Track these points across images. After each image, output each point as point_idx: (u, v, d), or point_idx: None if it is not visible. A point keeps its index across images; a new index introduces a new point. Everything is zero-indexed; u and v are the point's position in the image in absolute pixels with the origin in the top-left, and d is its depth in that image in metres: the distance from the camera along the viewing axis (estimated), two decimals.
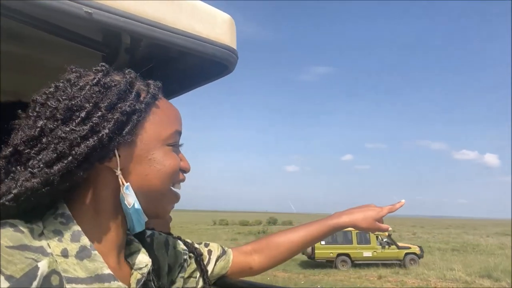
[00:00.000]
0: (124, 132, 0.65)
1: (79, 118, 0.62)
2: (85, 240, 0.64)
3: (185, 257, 0.94)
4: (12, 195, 0.58)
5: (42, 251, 0.58)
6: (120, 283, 0.64)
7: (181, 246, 0.95)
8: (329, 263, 18.40)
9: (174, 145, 0.73)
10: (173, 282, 0.90)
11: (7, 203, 0.58)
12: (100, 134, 0.62)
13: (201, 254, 0.97)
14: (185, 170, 0.76)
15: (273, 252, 1.09)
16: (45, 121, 0.62)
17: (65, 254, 0.61)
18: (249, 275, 1.11)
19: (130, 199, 0.67)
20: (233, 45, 0.96)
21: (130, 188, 0.67)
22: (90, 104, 0.63)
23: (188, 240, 1.00)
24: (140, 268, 0.75)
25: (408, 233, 39.37)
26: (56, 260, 0.60)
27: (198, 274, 0.95)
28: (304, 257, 19.17)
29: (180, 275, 0.92)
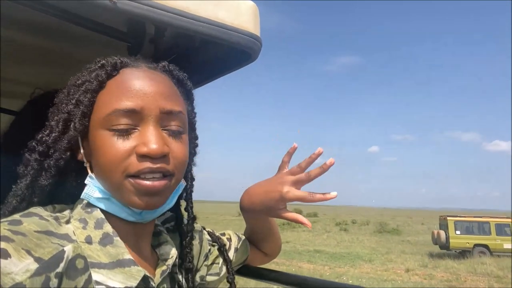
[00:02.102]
0: (70, 128, 0.66)
1: (47, 125, 0.69)
2: (107, 227, 0.66)
3: (209, 246, 0.95)
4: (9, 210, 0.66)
5: (67, 238, 0.60)
6: (139, 268, 0.65)
7: (205, 236, 0.96)
8: (466, 253, 17.94)
9: (120, 130, 0.63)
10: (197, 270, 0.91)
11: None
12: (45, 139, 0.67)
13: (224, 244, 0.99)
14: (147, 155, 0.62)
15: (269, 235, 1.08)
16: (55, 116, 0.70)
17: (89, 240, 0.63)
18: (264, 263, 1.13)
19: (87, 189, 0.67)
20: (257, 32, 0.95)
21: (92, 178, 0.67)
22: (55, 110, 0.70)
23: (210, 230, 1.02)
24: (166, 260, 0.75)
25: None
26: (80, 246, 0.61)
27: (220, 260, 0.97)
28: (331, 250, 19.08)
29: (204, 263, 0.93)
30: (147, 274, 0.67)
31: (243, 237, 1.08)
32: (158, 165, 0.63)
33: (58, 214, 0.64)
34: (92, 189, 0.67)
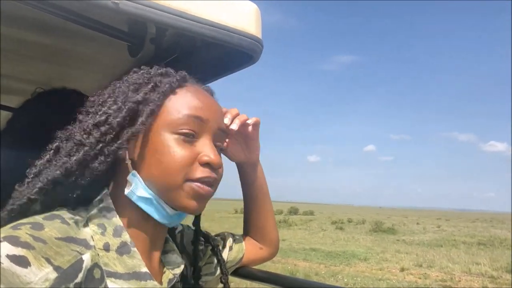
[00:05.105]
0: (138, 122, 0.66)
1: (101, 112, 0.67)
2: (126, 236, 0.66)
3: (201, 247, 0.96)
4: (37, 189, 0.61)
5: (85, 244, 0.60)
6: (155, 283, 0.66)
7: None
8: None
9: (186, 134, 0.68)
10: (191, 272, 0.92)
11: (32, 196, 0.61)
12: (110, 121, 0.65)
13: (218, 245, 1.00)
14: (209, 163, 0.69)
15: (262, 230, 1.09)
16: (82, 115, 0.69)
17: (106, 248, 0.63)
18: (263, 259, 1.12)
19: (131, 186, 0.67)
20: (259, 34, 0.95)
21: (136, 175, 0.67)
22: (112, 99, 0.68)
23: (204, 231, 1.02)
24: (173, 268, 0.76)
25: (433, 225, 38.61)
26: (98, 254, 0.62)
27: (214, 260, 0.98)
28: (327, 248, 19.13)
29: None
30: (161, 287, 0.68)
31: (239, 236, 1.09)
32: (215, 175, 0.70)
33: (78, 217, 0.64)
34: (137, 186, 0.67)
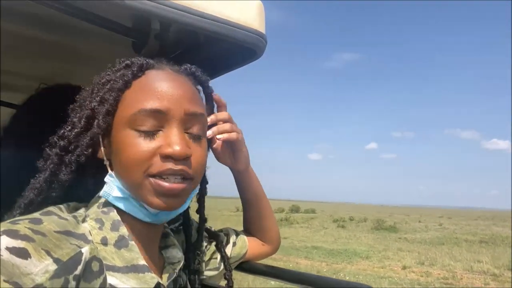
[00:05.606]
0: (95, 125, 0.66)
1: (69, 121, 0.70)
2: (123, 230, 0.66)
3: (205, 243, 0.97)
4: (17, 214, 0.64)
5: (84, 239, 0.61)
6: (153, 275, 0.66)
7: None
8: None
9: (143, 129, 0.64)
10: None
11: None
12: (66, 134, 0.68)
13: (222, 241, 1.00)
14: (170, 156, 0.63)
15: (263, 229, 1.10)
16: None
17: (104, 242, 0.64)
18: (266, 255, 1.14)
19: (106, 187, 0.68)
20: (262, 30, 0.96)
21: (113, 176, 0.68)
22: (77, 106, 0.72)
23: (208, 226, 1.03)
24: (173, 263, 0.76)
25: (435, 224, 38.53)
26: (96, 248, 0.62)
27: (218, 255, 0.98)
28: (328, 246, 19.14)
29: (202, 259, 0.94)
30: (160, 281, 0.68)
31: (241, 232, 1.10)
32: (179, 167, 0.64)
33: (76, 213, 0.65)
34: (112, 187, 0.67)
